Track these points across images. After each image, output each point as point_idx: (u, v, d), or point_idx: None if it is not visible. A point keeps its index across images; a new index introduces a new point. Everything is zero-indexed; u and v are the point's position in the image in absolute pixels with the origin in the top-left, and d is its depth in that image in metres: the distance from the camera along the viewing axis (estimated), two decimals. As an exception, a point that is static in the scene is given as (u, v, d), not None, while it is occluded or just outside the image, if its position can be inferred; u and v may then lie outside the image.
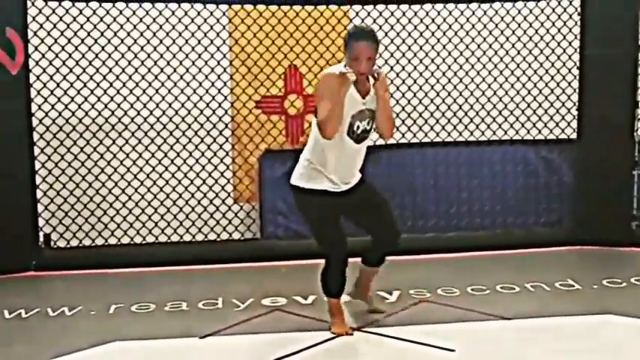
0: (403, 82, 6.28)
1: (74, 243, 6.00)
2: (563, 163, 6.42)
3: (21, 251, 5.74)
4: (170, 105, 6.06)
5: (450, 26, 6.29)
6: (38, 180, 5.86)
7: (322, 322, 4.26)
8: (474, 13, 6.29)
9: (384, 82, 3.87)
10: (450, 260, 5.95)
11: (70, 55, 5.87)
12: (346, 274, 4.05)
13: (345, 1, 6.15)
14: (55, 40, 5.82)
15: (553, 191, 6.44)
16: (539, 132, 6.43)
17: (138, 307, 4.77)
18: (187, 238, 6.17)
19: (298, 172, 3.94)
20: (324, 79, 3.82)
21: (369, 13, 6.20)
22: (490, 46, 6.34)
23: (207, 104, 6.10)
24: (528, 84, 6.40)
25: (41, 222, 5.90)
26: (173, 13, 5.99)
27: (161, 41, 6.00)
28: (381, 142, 6.22)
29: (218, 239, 6.20)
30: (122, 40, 5.94)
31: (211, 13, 6.04)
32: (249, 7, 6.08)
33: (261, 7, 6.09)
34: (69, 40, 5.86)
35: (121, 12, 5.91)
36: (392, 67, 6.25)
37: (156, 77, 6.02)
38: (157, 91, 6.02)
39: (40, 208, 5.88)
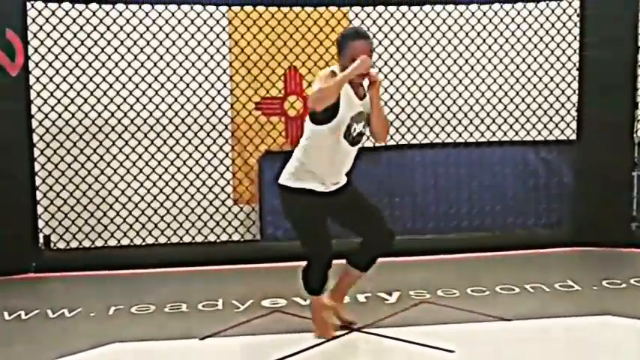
0: (403, 83, 6.28)
1: (74, 244, 6.00)
2: (563, 164, 6.43)
3: (21, 253, 5.74)
4: (170, 106, 6.06)
5: (450, 27, 6.29)
6: (38, 181, 5.86)
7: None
8: (473, 14, 6.30)
9: (379, 86, 3.87)
10: (450, 261, 5.95)
11: (69, 57, 5.87)
12: (328, 275, 3.95)
13: (344, 2, 6.16)
14: (55, 42, 5.83)
15: (553, 192, 6.44)
16: (539, 133, 6.43)
17: (138, 308, 4.77)
18: (187, 239, 6.17)
19: (288, 172, 3.88)
20: (325, 72, 3.80)
21: (368, 15, 6.21)
22: (490, 47, 6.34)
23: (207, 106, 6.10)
24: (528, 85, 6.41)
25: (41, 223, 5.90)
26: (173, 14, 6.00)
27: (161, 43, 6.00)
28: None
29: (218, 241, 6.19)
30: (122, 42, 5.94)
31: (211, 14, 6.04)
32: (248, 8, 6.08)
33: (260, 8, 6.09)
34: (69, 42, 5.86)
35: (120, 13, 5.91)
36: (392, 69, 6.26)
37: (155, 79, 6.02)
38: (156, 92, 6.03)
39: (39, 209, 5.88)
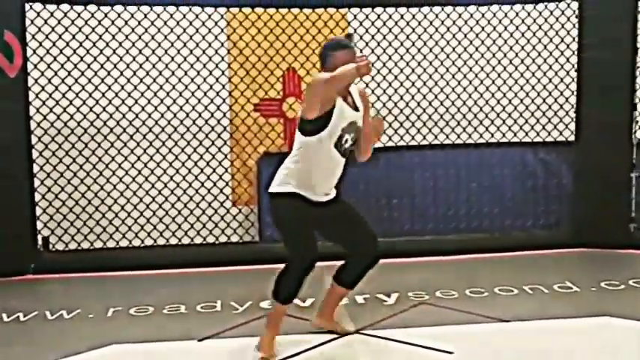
0: (401, 84, 6.29)
1: (72, 246, 6.00)
2: (562, 166, 6.43)
3: (19, 254, 5.74)
4: (168, 108, 6.06)
5: (448, 29, 6.30)
6: (37, 183, 5.86)
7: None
8: (472, 16, 6.31)
9: (368, 101, 3.92)
10: (449, 263, 5.95)
11: (68, 59, 5.88)
12: (303, 284, 3.75)
13: (342, 4, 6.16)
14: (54, 43, 5.83)
15: (551, 193, 6.45)
16: (538, 134, 6.44)
17: (136, 310, 4.76)
18: (186, 241, 6.17)
19: (278, 180, 3.82)
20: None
21: (366, 16, 6.21)
22: (488, 48, 6.35)
23: (206, 107, 6.11)
24: (527, 86, 6.42)
25: (39, 225, 5.90)
26: (171, 16, 6.00)
27: (159, 44, 6.00)
28: (380, 144, 6.24)
29: (217, 242, 6.20)
30: (120, 44, 5.94)
31: (209, 16, 6.05)
32: (247, 10, 6.09)
33: (259, 10, 6.10)
34: (67, 44, 5.87)
35: (119, 15, 5.92)
36: (390, 70, 6.26)
37: (154, 80, 6.02)
38: (155, 94, 6.03)
39: (38, 211, 5.88)
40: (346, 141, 3.77)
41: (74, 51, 5.89)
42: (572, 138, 6.38)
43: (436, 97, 6.34)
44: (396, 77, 6.29)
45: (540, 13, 6.35)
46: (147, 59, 6.00)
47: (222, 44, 6.11)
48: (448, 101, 6.36)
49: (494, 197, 6.43)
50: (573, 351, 3.84)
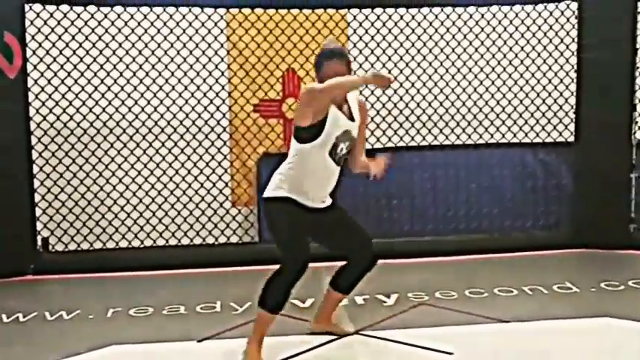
0: (401, 85, 6.29)
1: (72, 247, 6.00)
2: (562, 166, 6.43)
3: (19, 255, 5.74)
4: (168, 109, 6.06)
5: (448, 30, 6.30)
6: (36, 184, 5.86)
7: (320, 325, 4.25)
8: (471, 16, 6.31)
9: (366, 114, 3.94)
10: (449, 263, 5.95)
11: (67, 59, 5.88)
12: (291, 292, 3.68)
13: (342, 4, 6.16)
14: (53, 44, 5.83)
15: (551, 194, 6.45)
16: (537, 135, 6.44)
17: (136, 310, 4.76)
18: (185, 241, 6.17)
19: (273, 185, 3.77)
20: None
21: (366, 17, 6.21)
22: (488, 49, 6.35)
23: (205, 108, 6.11)
24: (526, 87, 6.42)
25: (39, 226, 5.90)
26: (171, 16, 6.00)
27: (159, 45, 6.00)
28: (379, 145, 6.25)
29: (216, 243, 6.19)
30: (120, 44, 5.94)
31: (209, 16, 6.05)
32: (247, 10, 6.09)
33: (258, 10, 6.10)
34: (67, 44, 5.87)
35: (118, 16, 5.92)
36: (390, 71, 6.26)
37: (154, 81, 6.02)
38: (154, 94, 6.03)
39: (38, 211, 5.88)
40: (341, 149, 3.74)
41: (74, 52, 5.89)
42: (571, 139, 6.38)
43: (436, 97, 6.34)
44: (395, 78, 6.25)
45: (540, 13, 6.35)
46: (146, 60, 6.00)
47: (222, 45, 6.11)
48: (448, 102, 6.36)
49: (494, 198, 6.42)
50: (573, 351, 3.84)
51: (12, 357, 3.99)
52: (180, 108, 6.09)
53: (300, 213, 3.74)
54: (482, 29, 6.33)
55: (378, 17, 6.23)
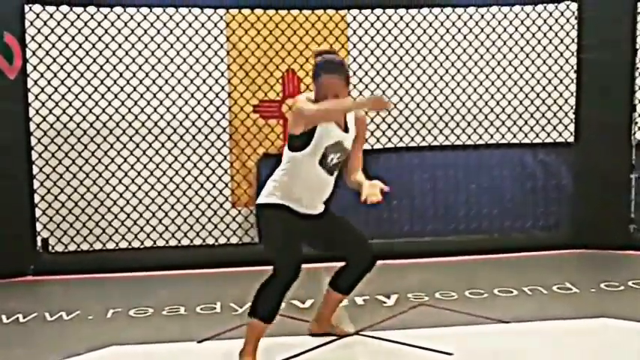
0: (401, 86, 6.29)
1: (72, 247, 6.00)
2: (561, 167, 6.43)
3: (19, 255, 5.74)
4: (168, 109, 6.06)
5: (448, 30, 6.30)
6: (36, 184, 5.86)
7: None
8: (471, 17, 6.31)
9: (365, 127, 3.90)
10: (448, 264, 5.95)
11: (67, 60, 5.87)
12: (283, 301, 3.61)
13: (342, 5, 6.16)
14: (53, 45, 5.83)
15: (551, 195, 6.45)
16: (537, 135, 6.44)
17: (136, 311, 4.76)
18: (185, 242, 6.17)
19: (266, 191, 3.74)
20: (303, 99, 3.68)
21: (366, 18, 6.21)
22: (488, 50, 6.35)
23: (205, 108, 6.11)
24: (526, 87, 6.42)
25: (39, 226, 5.90)
26: (171, 17, 6.00)
27: (159, 46, 6.00)
28: (379, 145, 6.25)
29: (216, 244, 6.19)
30: (120, 45, 5.94)
31: (209, 17, 6.04)
32: (246, 11, 6.09)
33: (258, 11, 6.09)
34: (66, 45, 5.86)
35: (118, 16, 5.92)
36: (389, 72, 6.26)
37: (154, 81, 6.02)
38: (154, 95, 6.03)
39: (37, 212, 5.88)
40: (331, 160, 3.68)
41: (73, 52, 5.88)
42: (571, 139, 6.38)
43: (435, 98, 6.34)
44: (395, 79, 6.28)
45: (539, 14, 6.35)
46: (146, 61, 5.99)
47: (222, 46, 6.10)
48: (447, 103, 6.36)
49: (494, 198, 6.42)
50: (573, 352, 3.84)
51: (12, 358, 3.99)
52: (180, 109, 6.08)
53: (294, 220, 3.71)
54: (482, 30, 6.32)
55: (378, 18, 6.23)
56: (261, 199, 3.77)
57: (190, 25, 6.02)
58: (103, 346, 4.04)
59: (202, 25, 6.04)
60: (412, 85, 6.31)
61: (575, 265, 5.92)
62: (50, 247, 5.95)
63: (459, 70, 6.34)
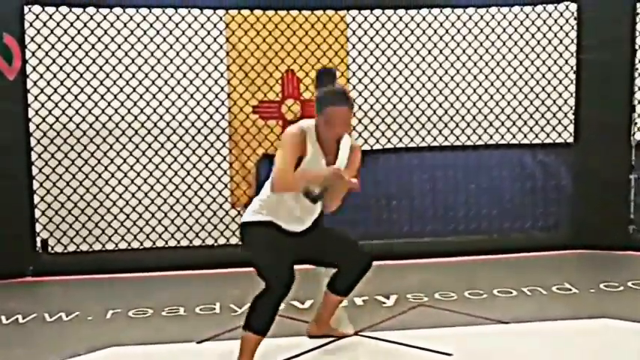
0: (400, 86, 6.29)
1: (71, 248, 5.99)
2: (561, 167, 6.44)
3: (18, 256, 5.74)
4: (168, 110, 6.06)
5: (447, 31, 6.30)
6: (35, 185, 5.86)
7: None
8: (470, 17, 6.31)
9: (357, 157, 3.76)
10: (448, 264, 5.95)
11: (67, 61, 5.87)
12: (277, 314, 3.53)
13: (341, 6, 6.16)
14: (53, 46, 5.83)
15: (550, 195, 6.45)
16: (536, 136, 6.44)
17: (135, 312, 4.76)
18: (185, 243, 6.16)
19: (251, 210, 3.71)
20: (293, 131, 3.62)
21: (365, 18, 6.21)
22: (487, 50, 6.35)
23: (205, 109, 6.10)
24: (525, 88, 6.42)
25: (38, 227, 5.90)
26: (170, 18, 6.00)
27: (158, 46, 6.00)
28: (378, 146, 6.25)
29: (215, 244, 6.19)
30: (119, 46, 5.94)
31: (208, 18, 6.04)
32: (246, 12, 6.08)
33: (258, 11, 6.09)
34: (66, 46, 5.86)
35: (118, 17, 5.92)
36: (389, 72, 6.26)
37: (153, 82, 6.02)
38: (154, 96, 6.03)
39: (37, 213, 5.88)
40: (313, 190, 3.53)
41: (73, 53, 5.88)
42: (571, 140, 6.39)
43: (435, 99, 6.34)
44: (394, 79, 6.28)
45: (539, 14, 6.35)
46: (145, 61, 5.99)
47: (221, 46, 6.10)
48: (447, 103, 6.36)
49: (493, 199, 6.43)
50: (572, 353, 3.84)
51: (11, 358, 3.99)
52: (180, 109, 6.08)
53: (281, 236, 3.68)
54: (482, 30, 6.33)
55: (377, 18, 6.23)
56: (245, 218, 3.73)
57: (190, 25, 6.02)
58: (102, 347, 4.04)
59: (202, 25, 6.04)
60: (411, 85, 6.31)
61: (574, 266, 5.92)
62: (49, 248, 5.95)
63: (458, 71, 6.34)
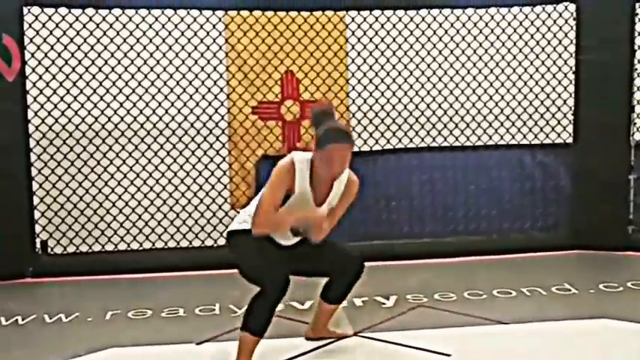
0: (399, 87, 6.29)
1: (71, 249, 5.99)
2: (560, 168, 6.44)
3: (18, 257, 5.74)
4: (167, 111, 6.06)
5: (446, 31, 6.30)
6: (35, 186, 5.85)
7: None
8: (469, 18, 6.31)
9: (351, 192, 3.73)
10: (447, 265, 5.95)
11: (66, 62, 5.87)
12: (274, 314, 3.51)
13: (341, 7, 6.16)
14: (52, 47, 5.82)
15: (549, 196, 6.45)
16: (536, 136, 6.44)
17: (134, 313, 4.76)
18: (184, 244, 6.16)
19: (239, 219, 3.70)
20: (284, 165, 3.58)
21: (364, 19, 6.21)
22: (486, 51, 6.35)
23: (204, 110, 6.10)
24: (524, 89, 6.42)
25: (38, 228, 5.90)
26: (169, 19, 6.00)
27: (157, 47, 6.00)
28: (377, 147, 6.25)
29: (215, 245, 6.18)
30: (118, 47, 5.94)
31: (207, 19, 6.04)
32: (245, 13, 6.09)
33: (257, 12, 6.10)
34: (65, 47, 5.86)
35: (117, 18, 5.92)
36: (388, 73, 6.26)
37: (152, 83, 6.02)
38: (153, 97, 6.03)
39: (36, 214, 5.87)
40: (301, 230, 3.56)
41: (72, 54, 5.88)
42: (570, 140, 6.39)
43: (434, 99, 6.34)
44: (394, 80, 6.28)
45: (538, 15, 6.35)
46: (145, 62, 5.99)
47: (220, 47, 6.10)
48: (446, 104, 6.36)
49: (493, 199, 6.43)
50: (571, 353, 3.84)
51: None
52: (179, 110, 6.08)
53: (269, 246, 3.65)
54: (481, 31, 6.33)
55: (376, 19, 6.23)
56: (233, 226, 3.72)
57: (189, 26, 6.02)
58: (102, 348, 4.04)
59: (201, 26, 6.04)
60: (411, 86, 6.31)
61: (574, 266, 5.92)
62: (49, 249, 5.95)
63: (457, 72, 6.35)
